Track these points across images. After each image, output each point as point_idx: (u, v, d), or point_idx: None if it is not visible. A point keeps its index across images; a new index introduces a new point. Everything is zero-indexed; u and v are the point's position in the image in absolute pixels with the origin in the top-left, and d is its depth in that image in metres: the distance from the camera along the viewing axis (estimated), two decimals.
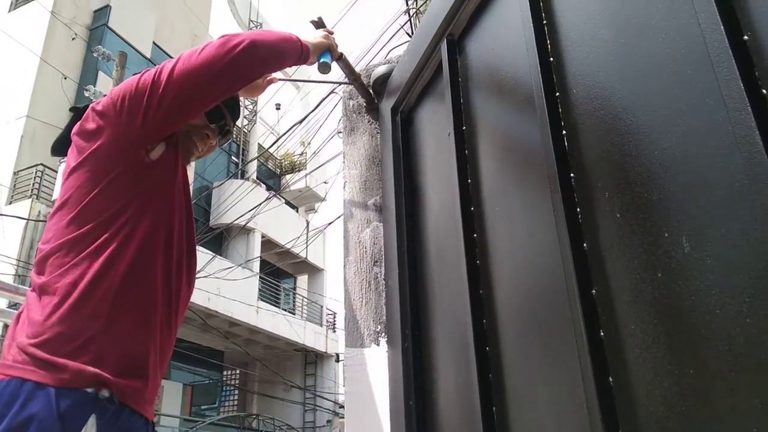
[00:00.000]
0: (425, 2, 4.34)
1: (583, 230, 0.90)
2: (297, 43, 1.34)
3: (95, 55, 10.36)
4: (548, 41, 1.05)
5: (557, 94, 1.00)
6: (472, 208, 1.23)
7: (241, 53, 1.18)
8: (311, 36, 1.49)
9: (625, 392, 0.79)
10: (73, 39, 11.43)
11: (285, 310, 15.61)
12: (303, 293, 17.45)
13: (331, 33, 1.55)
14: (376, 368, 1.54)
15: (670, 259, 0.75)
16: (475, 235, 1.21)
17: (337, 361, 17.30)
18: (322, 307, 17.46)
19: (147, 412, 1.08)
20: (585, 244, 0.89)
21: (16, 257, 8.89)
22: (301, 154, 18.10)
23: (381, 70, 1.77)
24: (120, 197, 1.12)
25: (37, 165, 10.03)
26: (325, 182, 13.83)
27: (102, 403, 0.99)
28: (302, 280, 18.16)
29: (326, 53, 1.50)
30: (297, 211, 18.24)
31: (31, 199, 9.50)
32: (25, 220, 9.08)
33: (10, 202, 9.74)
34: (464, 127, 1.31)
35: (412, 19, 4.40)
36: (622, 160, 0.84)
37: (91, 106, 1.19)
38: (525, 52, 1.09)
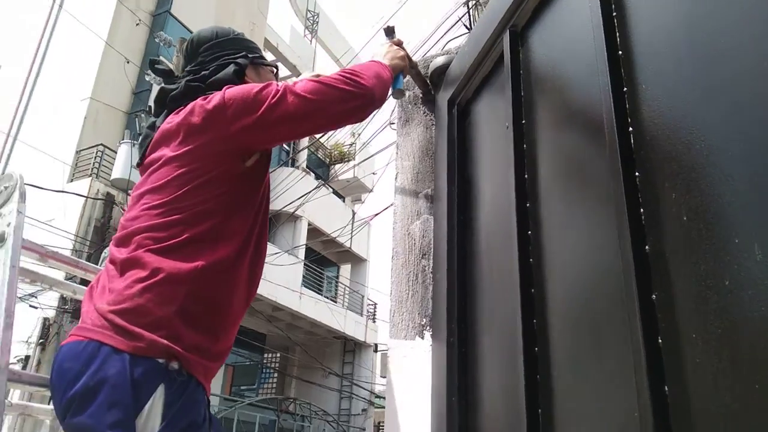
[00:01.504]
0: None
1: (647, 232, 0.86)
2: (390, 77, 1.45)
3: (157, 40, 10.67)
4: (617, 34, 1.00)
5: (625, 89, 0.96)
6: (528, 204, 1.20)
7: (360, 110, 1.31)
8: (384, 52, 1.54)
9: (682, 404, 0.75)
10: (137, 24, 11.78)
11: (327, 298, 15.79)
12: (345, 282, 17.59)
13: (401, 44, 1.57)
14: (419, 361, 1.53)
15: (739, 266, 0.71)
16: (529, 232, 1.18)
17: (376, 351, 17.41)
18: (363, 296, 17.57)
19: (208, 387, 1.13)
20: (647, 247, 0.85)
21: (74, 233, 9.27)
22: (351, 144, 18.21)
23: (439, 61, 1.75)
24: (211, 198, 1.18)
25: (97, 145, 10.40)
26: (373, 173, 13.88)
27: (171, 374, 1.04)
28: (345, 270, 18.31)
29: (399, 77, 1.54)
30: (344, 201, 18.38)
31: (90, 178, 9.86)
32: (85, 198, 9.45)
33: (71, 180, 10.14)
34: (524, 121, 1.28)
35: (471, 11, 4.34)
36: (692, 161, 0.80)
37: (198, 102, 1.23)
38: (592, 44, 1.05)
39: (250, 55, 1.42)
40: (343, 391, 16.30)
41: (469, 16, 4.59)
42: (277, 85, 1.27)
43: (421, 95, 1.85)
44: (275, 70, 1.52)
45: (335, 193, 17.71)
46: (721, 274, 0.73)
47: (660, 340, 0.80)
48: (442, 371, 1.40)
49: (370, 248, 18.05)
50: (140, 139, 1.35)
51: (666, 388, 0.77)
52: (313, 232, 15.16)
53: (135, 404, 0.99)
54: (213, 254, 1.15)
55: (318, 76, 1.32)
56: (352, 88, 1.29)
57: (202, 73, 1.34)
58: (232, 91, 1.21)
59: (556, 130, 1.18)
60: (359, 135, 16.76)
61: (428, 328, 1.55)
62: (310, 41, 18.47)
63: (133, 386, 1.00)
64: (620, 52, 0.99)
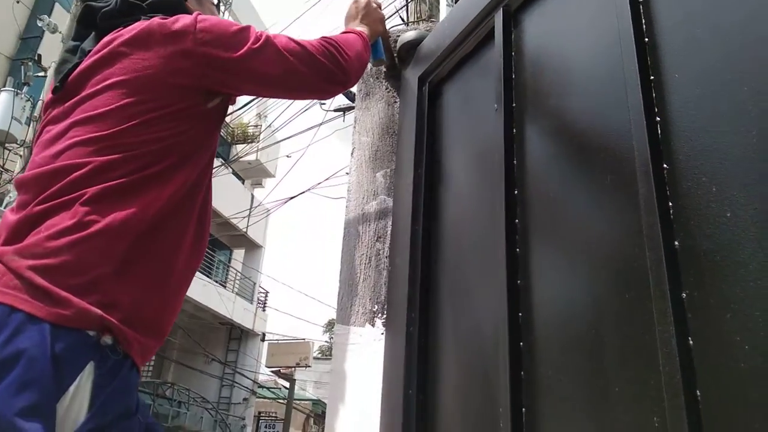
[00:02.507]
0: None
1: (675, 227, 0.81)
2: (366, 44, 1.35)
3: None
4: (643, 20, 0.96)
5: (652, 77, 0.91)
6: (516, 192, 1.13)
7: (332, 90, 1.26)
8: (362, 13, 1.44)
9: (715, 409, 0.71)
10: None
11: (216, 282, 15.21)
12: (238, 267, 17.05)
13: (380, 6, 1.47)
14: (369, 350, 1.42)
15: None
16: (516, 220, 1.11)
17: (263, 340, 17.04)
18: (255, 284, 17.13)
19: (141, 369, 0.94)
20: (677, 242, 0.80)
21: None
22: (256, 126, 17.63)
23: (410, 35, 1.65)
24: (167, 136, 1.00)
25: None
26: (287, 156, 13.51)
27: (103, 351, 0.84)
28: (238, 254, 17.75)
29: (379, 44, 1.45)
30: (243, 184, 17.80)
31: None
32: None
33: None
34: (514, 104, 1.21)
35: (410, 4, 4.26)
36: (739, 153, 0.76)
37: (157, 20, 1.04)
38: (610, 30, 1.00)
39: None
40: (225, 378, 15.79)
41: (407, 9, 4.52)
42: (257, 31, 1.12)
43: (384, 69, 1.74)
44: (217, 2, 1.36)
45: (235, 174, 17.07)
46: None
47: (690, 341, 0.75)
48: (398, 361, 1.30)
49: (267, 235, 17.62)
50: (57, 64, 1.13)
51: (698, 392, 0.73)
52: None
53: (56, 385, 0.79)
54: (161, 202, 0.97)
55: None
56: (332, 66, 1.20)
57: None
58: (206, 17, 1.05)
59: (555, 117, 1.12)
60: (266, 116, 16.28)
61: (380, 315, 1.45)
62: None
63: (54, 363, 0.79)
64: (646, 39, 0.95)
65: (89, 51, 1.08)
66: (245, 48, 1.06)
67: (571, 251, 0.99)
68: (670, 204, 0.83)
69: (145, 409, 0.98)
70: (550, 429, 0.94)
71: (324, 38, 1.22)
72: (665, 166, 0.85)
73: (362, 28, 1.39)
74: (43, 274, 0.84)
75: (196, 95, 1.05)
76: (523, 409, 0.99)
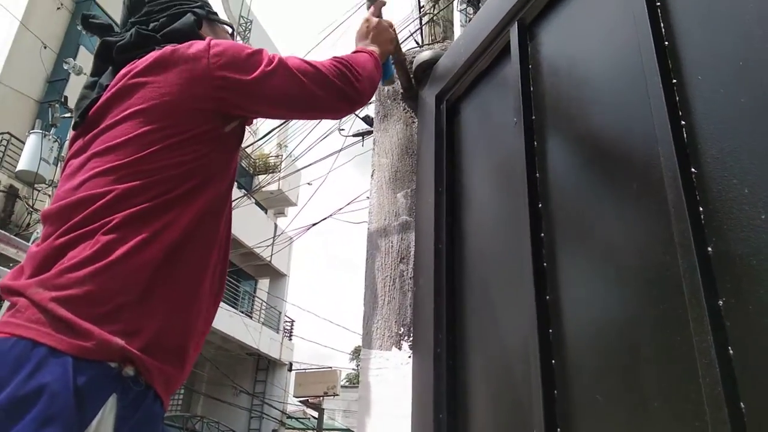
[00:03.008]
0: (441, 10, 4.27)
1: (707, 232, 0.78)
2: (377, 63, 1.36)
3: (79, 27, 9.99)
4: (662, 24, 0.94)
5: (674, 81, 0.89)
6: (540, 205, 1.11)
7: (343, 110, 1.26)
8: (372, 33, 1.45)
9: (762, 422, 0.67)
10: (57, 8, 11.04)
11: (242, 312, 15.25)
12: (263, 297, 17.09)
13: (392, 26, 1.49)
14: (395, 374, 1.40)
15: None
16: (542, 234, 1.09)
17: (290, 369, 16.97)
18: (280, 313, 17.14)
19: (167, 401, 0.92)
20: (710, 248, 0.77)
21: None
22: (277, 156, 17.84)
23: (425, 55, 1.65)
24: (188, 161, 1.00)
25: (3, 133, 9.58)
26: (308, 183, 13.62)
27: (125, 382, 0.82)
28: (263, 284, 17.82)
29: (389, 64, 1.46)
30: (266, 213, 17.95)
31: None
32: None
33: None
34: (533, 117, 1.19)
35: (424, 27, 4.31)
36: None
37: (169, 49, 1.06)
38: (629, 36, 0.98)
39: (206, 9, 1.26)
40: (254, 410, 15.72)
41: (422, 32, 4.56)
42: (269, 54, 1.12)
43: (401, 90, 1.74)
44: (231, 30, 1.37)
45: (258, 204, 17.24)
46: None
47: (731, 350, 0.72)
48: (426, 385, 1.27)
49: (291, 263, 17.68)
50: (77, 101, 1.14)
51: (742, 405, 0.69)
52: (232, 243, 14.64)
53: (79, 419, 0.77)
54: (184, 225, 0.96)
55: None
56: (344, 85, 1.21)
57: (152, 24, 1.17)
58: (219, 42, 1.06)
59: (577, 127, 1.10)
60: (286, 146, 16.48)
61: (406, 337, 1.43)
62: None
63: (77, 398, 0.78)
64: (666, 43, 0.93)
65: (107, 85, 1.10)
66: (259, 70, 1.07)
67: (599, 263, 0.97)
68: (701, 209, 0.80)
69: None
70: None
71: (335, 58, 1.23)
72: (693, 170, 0.82)
73: (373, 48, 1.40)
74: (65, 305, 0.84)
75: (214, 119, 1.05)
76: (558, 429, 0.95)
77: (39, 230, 7.11)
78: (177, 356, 0.94)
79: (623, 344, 0.89)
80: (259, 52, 1.10)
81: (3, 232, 1.46)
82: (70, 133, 1.14)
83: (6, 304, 0.91)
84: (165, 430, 0.94)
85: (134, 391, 0.83)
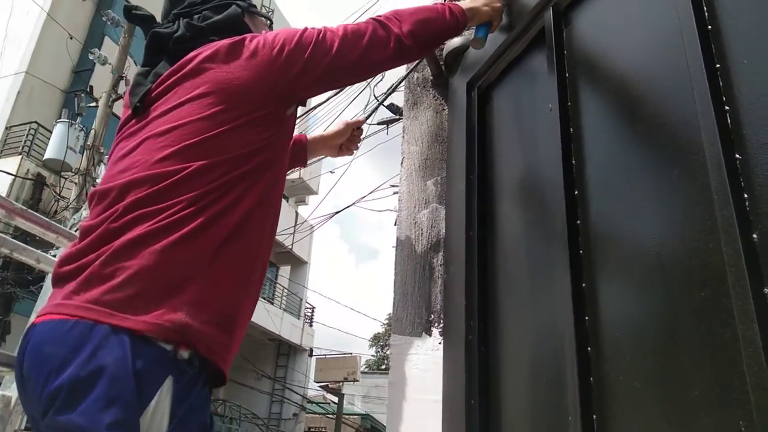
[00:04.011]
0: None
1: (752, 219, 0.77)
2: (449, 20, 1.31)
3: (104, 18, 10.09)
4: (705, 7, 0.92)
5: (717, 65, 0.88)
6: (576, 192, 1.10)
7: (402, 53, 1.22)
8: None
9: None
10: (83, 0, 11.16)
11: (264, 299, 15.41)
12: (284, 283, 17.24)
13: None
14: (425, 359, 1.41)
15: None
16: (578, 222, 1.08)
17: (311, 355, 17.13)
18: (301, 299, 17.28)
19: (227, 371, 0.93)
20: (755, 235, 0.76)
21: None
22: None
23: (456, 42, 1.64)
24: (254, 141, 1.03)
25: (31, 122, 9.75)
26: (331, 172, 13.61)
27: (180, 365, 0.84)
28: (284, 271, 17.96)
29: (484, 25, 1.40)
30: (287, 202, 18.05)
31: (20, 156, 9.21)
32: (13, 177, 8.81)
33: None
34: (569, 103, 1.18)
35: None
36: None
37: (227, 42, 1.10)
38: (669, 20, 0.97)
39: (246, 1, 1.28)
40: (275, 394, 15.93)
41: None
42: (313, 28, 1.15)
43: (431, 78, 1.74)
44: (270, 23, 1.38)
45: None
46: None
47: None
48: (458, 371, 1.28)
49: (311, 251, 17.79)
50: (132, 86, 1.16)
51: None
52: None
53: (138, 400, 0.80)
54: (248, 206, 0.99)
55: None
56: (386, 35, 1.19)
57: (196, 16, 1.20)
58: (269, 34, 1.11)
59: (614, 113, 1.09)
60: (308, 134, 16.47)
61: (437, 324, 1.43)
62: None
63: (136, 378, 0.80)
64: (710, 27, 0.91)
65: (161, 74, 1.12)
66: (312, 44, 1.10)
67: (638, 250, 0.96)
68: (746, 195, 0.79)
69: (216, 426, 0.99)
70: None
71: (387, 13, 1.24)
72: (737, 156, 0.81)
73: (465, 4, 1.35)
74: (130, 281, 0.86)
75: (277, 102, 1.09)
76: (594, 417, 0.95)
77: (69, 222, 7.23)
78: (230, 329, 0.95)
79: (662, 332, 0.88)
80: (305, 30, 1.14)
81: (43, 217, 1.50)
82: (123, 115, 1.16)
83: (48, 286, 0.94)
84: (211, 414, 0.96)
85: (188, 374, 0.85)
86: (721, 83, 0.86)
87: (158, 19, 1.26)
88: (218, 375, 0.93)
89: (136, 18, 1.28)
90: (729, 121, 0.84)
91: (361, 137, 1.72)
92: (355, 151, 1.75)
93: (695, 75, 0.89)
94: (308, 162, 1.77)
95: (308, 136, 1.72)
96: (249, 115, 1.03)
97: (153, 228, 0.90)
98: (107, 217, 0.93)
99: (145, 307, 0.84)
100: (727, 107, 0.84)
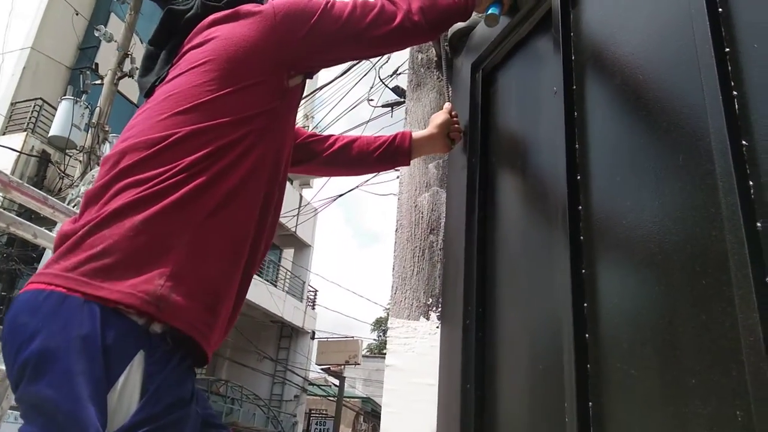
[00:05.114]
0: None
1: (757, 207, 0.76)
2: (463, 3, 1.25)
3: None
4: None
5: (727, 49, 0.85)
6: (578, 177, 1.09)
7: (410, 31, 1.18)
8: None
9: None
10: None
11: (267, 281, 15.46)
12: (287, 266, 17.29)
13: None
14: (422, 343, 1.40)
15: None
16: (579, 207, 1.07)
17: (313, 338, 17.22)
18: (304, 282, 17.34)
19: (209, 352, 0.91)
20: (759, 223, 0.75)
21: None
22: (304, 127, 17.83)
23: (461, 23, 1.61)
24: (249, 107, 1.00)
25: (36, 99, 9.73)
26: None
27: (153, 340, 0.82)
28: (288, 254, 18.00)
29: (496, 3, 1.36)
30: (291, 184, 18.03)
31: (25, 133, 9.21)
32: (18, 153, 8.81)
33: (4, 133, 9.44)
34: (575, 87, 1.16)
35: None
36: None
37: (241, 7, 1.08)
38: (678, 2, 0.94)
39: None
40: (277, 376, 16.04)
41: None
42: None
43: (435, 59, 1.71)
44: None
45: None
46: None
47: None
48: (455, 355, 1.27)
49: (315, 234, 17.81)
50: (141, 69, 1.15)
51: None
52: None
53: (107, 374, 0.77)
54: (241, 175, 0.95)
55: None
56: (396, 13, 1.16)
57: None
58: (276, 1, 1.07)
59: (620, 97, 1.07)
60: (312, 117, 16.43)
61: (435, 308, 1.43)
62: None
63: (105, 352, 0.77)
64: (720, 9, 0.89)
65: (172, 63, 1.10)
66: (319, 12, 1.08)
67: (639, 237, 0.94)
68: (751, 183, 0.77)
69: (203, 401, 0.96)
70: (620, 424, 0.90)
71: None
72: (744, 142, 0.79)
73: None
74: (108, 252, 0.83)
75: (279, 69, 1.05)
76: (590, 403, 0.94)
77: (72, 198, 7.25)
78: (213, 306, 0.91)
79: (661, 319, 0.87)
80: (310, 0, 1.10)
81: (39, 191, 1.49)
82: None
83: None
84: (197, 389, 0.94)
85: (161, 349, 0.82)
86: (730, 68, 0.84)
87: None
88: (200, 353, 0.89)
89: None
90: (737, 106, 0.82)
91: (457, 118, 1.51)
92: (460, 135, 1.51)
93: (704, 59, 0.86)
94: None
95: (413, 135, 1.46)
96: (246, 81, 1.00)
97: (138, 197, 0.87)
98: (103, 183, 0.92)
99: (121, 276, 0.82)
100: (735, 92, 0.82)
